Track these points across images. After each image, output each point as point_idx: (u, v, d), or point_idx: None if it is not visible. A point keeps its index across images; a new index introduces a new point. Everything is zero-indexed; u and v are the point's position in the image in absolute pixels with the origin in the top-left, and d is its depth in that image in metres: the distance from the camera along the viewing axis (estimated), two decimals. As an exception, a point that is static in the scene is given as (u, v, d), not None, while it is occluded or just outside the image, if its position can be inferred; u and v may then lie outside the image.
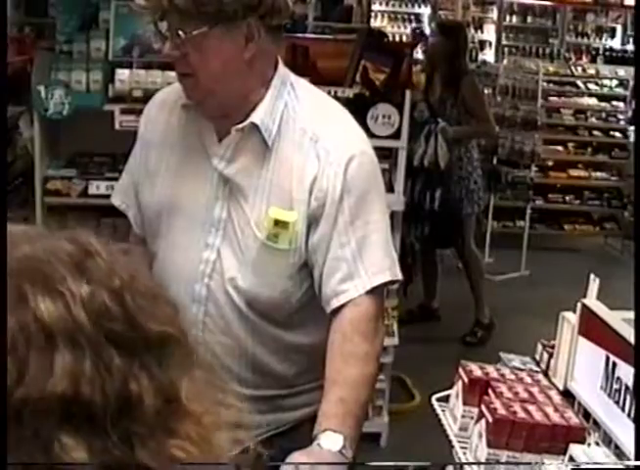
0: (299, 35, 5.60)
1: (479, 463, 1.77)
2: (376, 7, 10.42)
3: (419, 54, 7.45)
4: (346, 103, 3.89)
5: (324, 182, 1.85)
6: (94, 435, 0.68)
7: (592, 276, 1.89)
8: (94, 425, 0.68)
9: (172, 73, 3.90)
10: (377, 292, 1.88)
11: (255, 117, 1.87)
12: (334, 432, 1.69)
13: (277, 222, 1.85)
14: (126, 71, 3.88)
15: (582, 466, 1.60)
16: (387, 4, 11.18)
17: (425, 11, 11.35)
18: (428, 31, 10.91)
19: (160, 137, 2.05)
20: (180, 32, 1.78)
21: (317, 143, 1.87)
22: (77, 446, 0.67)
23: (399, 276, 1.94)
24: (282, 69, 1.95)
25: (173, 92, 2.03)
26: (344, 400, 1.75)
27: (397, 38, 10.40)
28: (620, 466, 1.64)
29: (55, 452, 0.66)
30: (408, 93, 3.96)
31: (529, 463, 1.71)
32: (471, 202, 5.52)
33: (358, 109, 3.90)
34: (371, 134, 3.91)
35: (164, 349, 0.74)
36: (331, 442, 1.68)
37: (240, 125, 1.88)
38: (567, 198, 8.37)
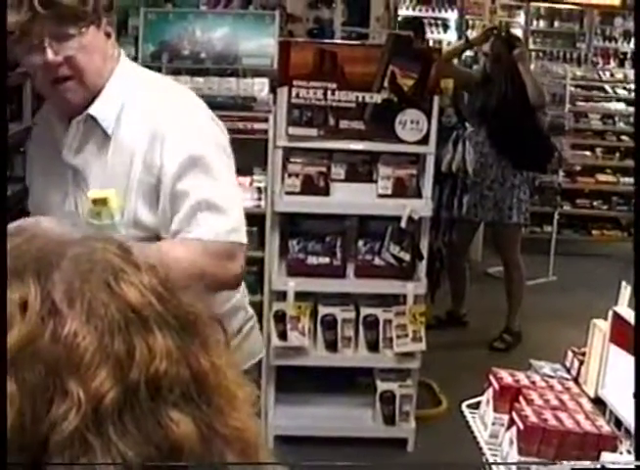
0: (327, 41, 5.61)
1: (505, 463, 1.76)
2: (402, 12, 10.40)
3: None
4: (374, 108, 3.91)
5: (157, 159, 1.92)
6: (191, 407, 0.73)
7: (624, 283, 1.88)
8: (188, 399, 0.73)
9: (201, 79, 3.96)
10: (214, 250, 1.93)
11: (93, 108, 1.95)
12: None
13: (96, 201, 1.91)
14: (155, 78, 3.91)
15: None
16: (413, 9, 11.15)
17: (451, 16, 11.31)
18: (455, 37, 10.88)
19: (31, 153, 2.20)
20: (59, 37, 1.83)
21: (154, 123, 1.94)
22: (185, 418, 0.72)
23: (240, 240, 1.98)
24: (125, 59, 2.04)
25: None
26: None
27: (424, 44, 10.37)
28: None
29: (170, 428, 0.71)
30: (436, 99, 3.96)
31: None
32: (519, 211, 5.48)
33: (386, 114, 3.91)
34: (399, 140, 3.91)
35: (205, 329, 0.79)
36: None
37: (78, 118, 1.96)
38: (594, 203, 8.29)
